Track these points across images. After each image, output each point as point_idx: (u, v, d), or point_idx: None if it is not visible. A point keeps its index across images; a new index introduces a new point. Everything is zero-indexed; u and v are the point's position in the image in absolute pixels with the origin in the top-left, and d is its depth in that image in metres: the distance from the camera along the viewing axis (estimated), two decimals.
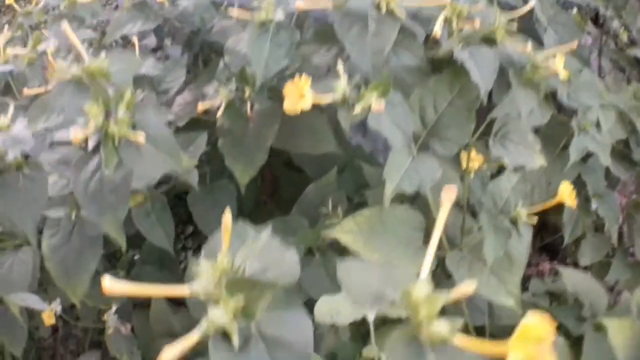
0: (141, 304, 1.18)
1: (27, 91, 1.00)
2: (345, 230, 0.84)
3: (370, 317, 0.73)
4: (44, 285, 1.14)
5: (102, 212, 0.70)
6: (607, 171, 1.14)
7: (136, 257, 1.11)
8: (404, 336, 0.41)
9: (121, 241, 0.71)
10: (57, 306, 0.96)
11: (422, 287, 0.42)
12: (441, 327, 0.39)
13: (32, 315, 1.34)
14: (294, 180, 1.02)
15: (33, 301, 0.91)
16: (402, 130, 0.73)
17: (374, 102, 0.66)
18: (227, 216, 0.48)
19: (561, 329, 1.02)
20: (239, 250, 0.49)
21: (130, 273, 1.07)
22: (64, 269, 0.94)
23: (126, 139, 0.65)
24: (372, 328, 0.68)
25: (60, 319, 1.35)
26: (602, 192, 1.10)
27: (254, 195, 1.15)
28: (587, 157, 1.14)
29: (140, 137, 0.64)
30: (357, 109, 0.68)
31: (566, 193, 0.83)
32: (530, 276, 1.21)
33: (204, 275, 0.44)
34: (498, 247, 0.83)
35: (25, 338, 1.14)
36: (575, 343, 0.98)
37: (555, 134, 1.09)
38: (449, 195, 0.47)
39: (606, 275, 1.17)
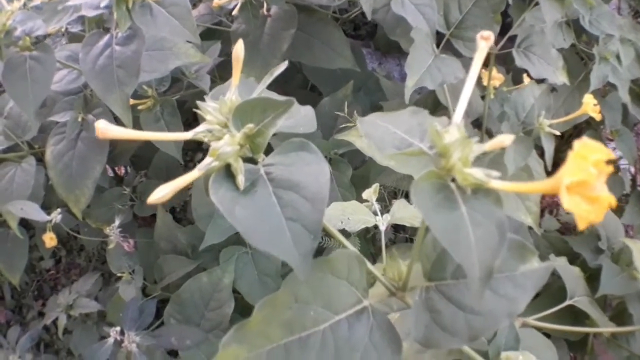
0: (145, 222, 1.15)
1: None
2: (360, 134, 0.82)
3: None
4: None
5: (110, 89, 0.68)
6: (624, 112, 1.12)
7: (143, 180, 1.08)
8: (433, 182, 0.36)
9: (127, 120, 0.68)
10: (57, 215, 0.92)
11: (454, 130, 0.38)
12: (475, 171, 0.35)
13: (34, 248, 1.31)
14: (309, 102, 0.99)
15: (32, 209, 0.88)
16: (426, 18, 0.70)
17: None
18: (239, 46, 0.42)
19: (577, 262, 0.99)
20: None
21: (136, 190, 1.04)
22: (68, 176, 0.91)
23: (140, 1, 0.62)
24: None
25: (63, 249, 1.32)
26: (620, 128, 1.08)
27: None
28: (605, 94, 1.12)
29: None
30: None
31: (590, 105, 0.81)
32: (543, 210, 1.18)
33: (210, 115, 0.38)
34: (519, 158, 0.80)
35: (25, 263, 1.10)
36: (591, 277, 0.95)
37: (574, 68, 1.07)
38: (485, 39, 0.45)
39: (620, 219, 1.14)
